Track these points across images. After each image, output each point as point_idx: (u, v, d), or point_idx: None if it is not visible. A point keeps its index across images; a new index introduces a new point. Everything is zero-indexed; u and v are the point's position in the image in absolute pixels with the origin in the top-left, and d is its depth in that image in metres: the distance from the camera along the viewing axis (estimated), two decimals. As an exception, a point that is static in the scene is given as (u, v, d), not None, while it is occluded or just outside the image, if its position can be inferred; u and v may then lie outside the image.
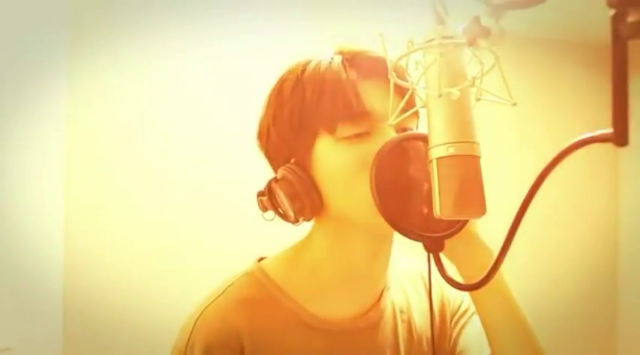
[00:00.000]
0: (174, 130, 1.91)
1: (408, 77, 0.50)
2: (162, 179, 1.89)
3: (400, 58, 0.50)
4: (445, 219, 0.49)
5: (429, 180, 0.49)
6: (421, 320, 0.76)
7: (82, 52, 1.80)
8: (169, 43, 1.91)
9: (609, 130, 0.32)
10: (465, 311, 0.78)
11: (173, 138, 1.91)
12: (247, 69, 1.97)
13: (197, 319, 0.67)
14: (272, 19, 2.00)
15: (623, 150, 2.30)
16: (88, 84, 1.82)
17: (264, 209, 0.69)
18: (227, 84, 1.96)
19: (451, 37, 0.47)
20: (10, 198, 1.41)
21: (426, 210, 0.60)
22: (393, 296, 0.76)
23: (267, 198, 0.68)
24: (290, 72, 0.68)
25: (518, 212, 0.42)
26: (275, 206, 0.68)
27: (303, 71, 0.66)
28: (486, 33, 0.42)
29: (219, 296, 0.69)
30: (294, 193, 0.64)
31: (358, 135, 0.63)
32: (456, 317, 0.78)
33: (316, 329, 0.69)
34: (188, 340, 0.66)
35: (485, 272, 0.49)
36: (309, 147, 0.65)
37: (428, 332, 0.75)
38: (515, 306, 0.66)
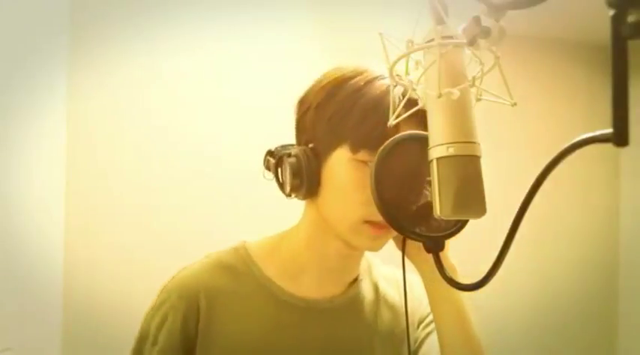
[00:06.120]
0: (175, 131, 1.91)
1: (407, 77, 0.50)
2: (163, 179, 1.89)
3: (400, 58, 0.50)
4: (445, 219, 0.49)
5: (429, 181, 0.49)
6: (387, 315, 0.82)
7: (82, 51, 1.80)
8: (169, 40, 1.91)
9: (609, 130, 0.32)
10: (432, 321, 0.81)
11: (174, 138, 1.91)
12: (247, 66, 1.97)
13: (177, 274, 0.78)
14: (272, 18, 2.00)
15: (623, 150, 2.30)
16: (89, 84, 1.82)
17: (268, 168, 0.76)
18: (227, 81, 1.96)
19: (451, 37, 0.47)
20: (10, 198, 1.41)
21: (425, 210, 0.60)
22: (363, 288, 0.81)
23: (275, 164, 0.74)
24: (356, 73, 0.70)
25: (519, 212, 0.42)
26: (277, 174, 0.75)
27: (368, 82, 0.68)
28: (486, 33, 0.42)
29: (202, 259, 0.79)
30: (299, 173, 0.69)
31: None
32: (423, 324, 0.83)
33: (283, 302, 0.75)
34: (163, 288, 0.77)
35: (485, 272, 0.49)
36: (330, 147, 0.69)
37: (393, 327, 0.81)
38: (467, 319, 0.72)
